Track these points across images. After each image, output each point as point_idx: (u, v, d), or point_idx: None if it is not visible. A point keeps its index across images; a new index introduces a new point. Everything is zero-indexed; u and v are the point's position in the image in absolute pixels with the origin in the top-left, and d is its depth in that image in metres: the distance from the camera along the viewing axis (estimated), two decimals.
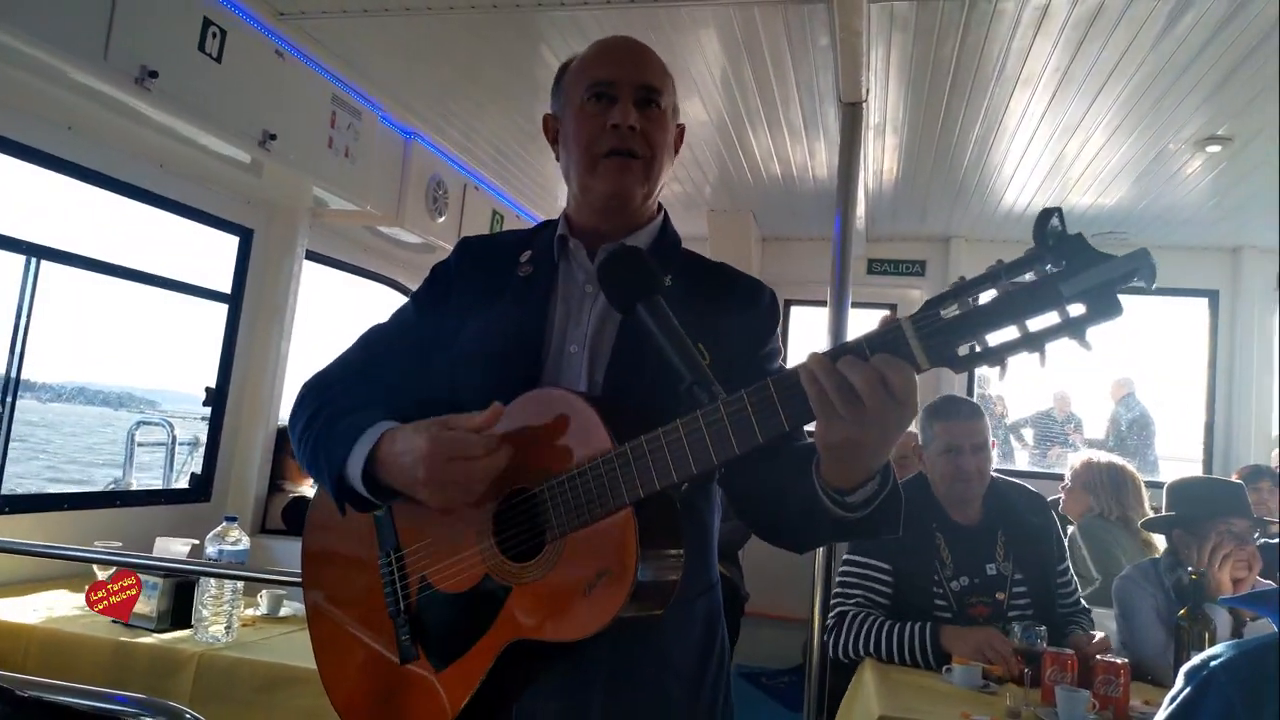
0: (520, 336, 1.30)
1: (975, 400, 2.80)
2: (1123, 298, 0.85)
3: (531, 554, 1.15)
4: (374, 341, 1.43)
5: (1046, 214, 0.88)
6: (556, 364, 1.29)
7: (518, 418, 1.19)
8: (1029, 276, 0.88)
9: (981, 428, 2.76)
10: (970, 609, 2.61)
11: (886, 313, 0.99)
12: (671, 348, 1.12)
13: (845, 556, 2.76)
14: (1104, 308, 0.85)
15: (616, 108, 1.29)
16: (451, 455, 1.11)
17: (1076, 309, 0.85)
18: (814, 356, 0.96)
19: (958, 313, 0.91)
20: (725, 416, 1.02)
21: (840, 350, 0.96)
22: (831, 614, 2.68)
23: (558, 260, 1.36)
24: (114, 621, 2.51)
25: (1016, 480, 2.90)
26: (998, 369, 0.91)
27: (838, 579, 2.74)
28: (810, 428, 1.04)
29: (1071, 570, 2.81)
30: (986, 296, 0.89)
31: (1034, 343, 0.88)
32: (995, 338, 0.90)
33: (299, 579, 1.41)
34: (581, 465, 1.11)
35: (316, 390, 1.37)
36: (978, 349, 0.90)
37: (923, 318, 0.92)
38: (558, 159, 1.41)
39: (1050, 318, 0.87)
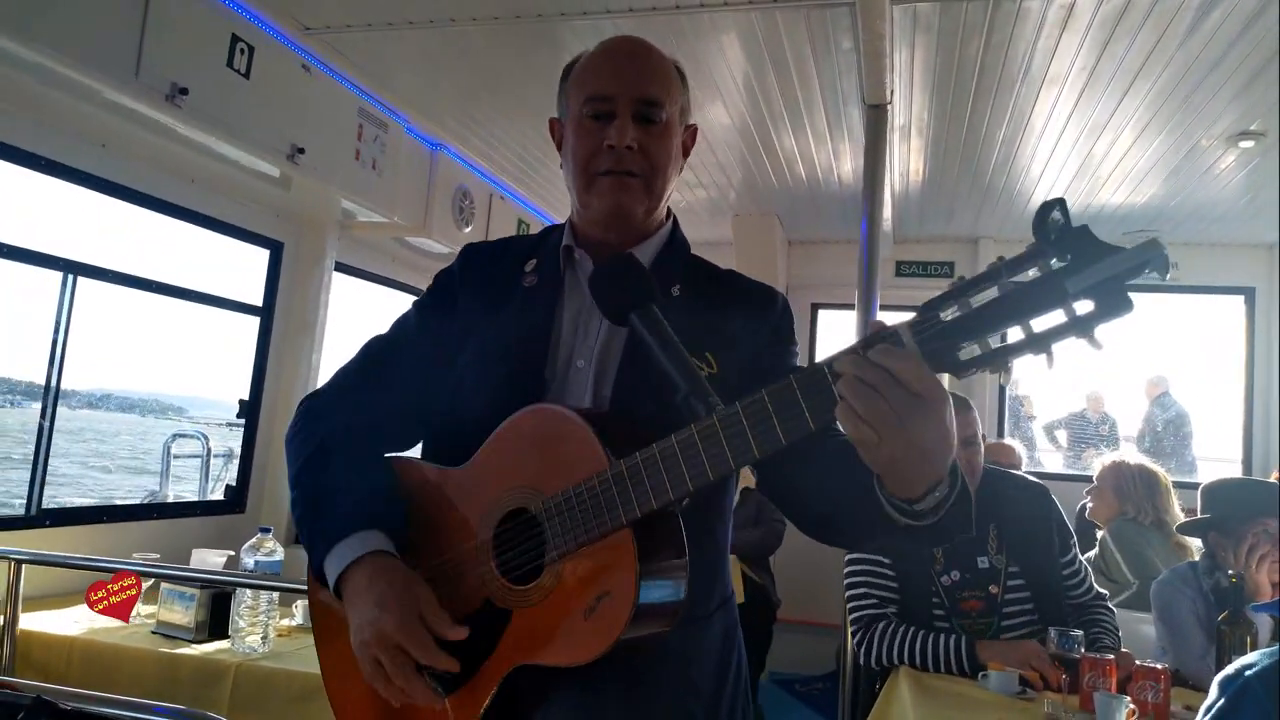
0: (526, 351, 1.26)
1: (968, 398, 2.72)
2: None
3: (532, 576, 1.12)
4: (374, 355, 1.38)
5: (1047, 206, 0.82)
6: (563, 379, 1.26)
7: (514, 434, 1.16)
8: (1033, 273, 0.82)
9: (970, 420, 2.66)
10: (963, 604, 2.57)
11: (879, 319, 0.93)
12: (666, 358, 1.08)
13: (847, 558, 2.72)
14: (1113, 304, 0.78)
15: (613, 126, 1.24)
16: (405, 647, 1.09)
17: (1084, 306, 0.80)
18: (841, 359, 0.90)
19: (957, 314, 0.85)
20: (720, 429, 0.97)
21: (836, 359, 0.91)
22: (853, 619, 2.65)
23: (563, 271, 1.33)
24: (153, 632, 2.55)
25: (1012, 471, 2.84)
26: (1000, 373, 0.85)
27: (845, 582, 2.69)
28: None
29: (1080, 559, 2.73)
30: (988, 296, 0.83)
31: (1039, 344, 0.82)
32: (999, 340, 0.84)
33: None
34: (578, 484, 1.07)
35: (312, 420, 1.32)
36: (979, 352, 0.84)
37: (921, 321, 0.87)
38: (562, 165, 1.37)
39: (1056, 316, 0.81)
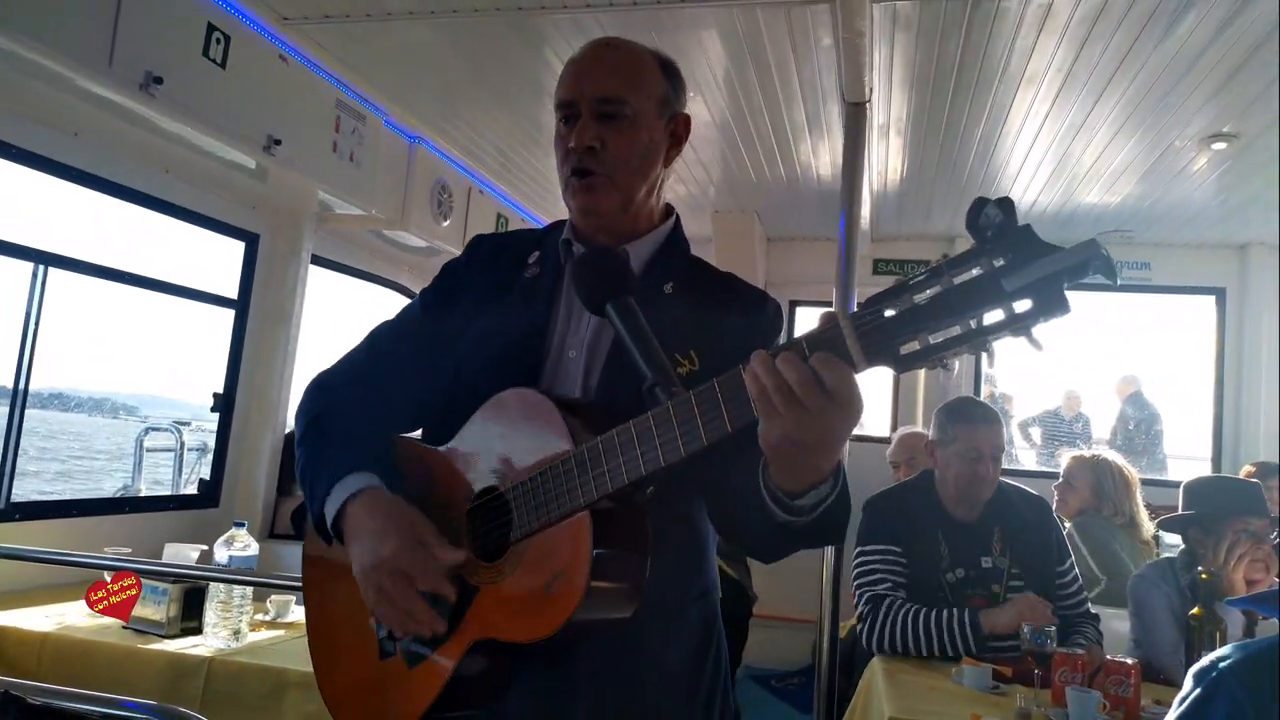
0: (522, 339, 1.31)
1: (985, 399, 2.82)
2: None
3: (500, 553, 1.16)
4: (379, 340, 1.45)
5: (980, 203, 0.82)
6: (555, 368, 1.30)
7: (491, 416, 1.21)
8: (975, 272, 0.83)
9: (1001, 432, 2.82)
10: (967, 600, 2.64)
11: (829, 309, 0.95)
12: (636, 347, 1.10)
13: (859, 549, 2.78)
14: (1051, 304, 0.78)
15: (573, 130, 1.30)
16: (406, 573, 1.14)
17: (1023, 305, 0.80)
18: (757, 354, 0.92)
19: (899, 310, 0.86)
20: (673, 415, 0.99)
21: (781, 348, 0.93)
22: (863, 601, 2.70)
23: (563, 263, 1.36)
24: (125, 627, 2.52)
25: (1018, 485, 2.90)
26: (939, 369, 0.88)
27: (855, 569, 2.77)
28: None
29: (1076, 573, 2.80)
30: (931, 293, 0.84)
31: (975, 340, 0.82)
32: (938, 336, 0.84)
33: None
34: (542, 466, 1.11)
35: (320, 390, 1.40)
36: (918, 347, 0.85)
37: (862, 315, 0.88)
38: None
39: (995, 314, 0.81)
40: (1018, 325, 0.80)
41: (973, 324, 0.82)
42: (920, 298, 0.85)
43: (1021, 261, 0.79)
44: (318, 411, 1.36)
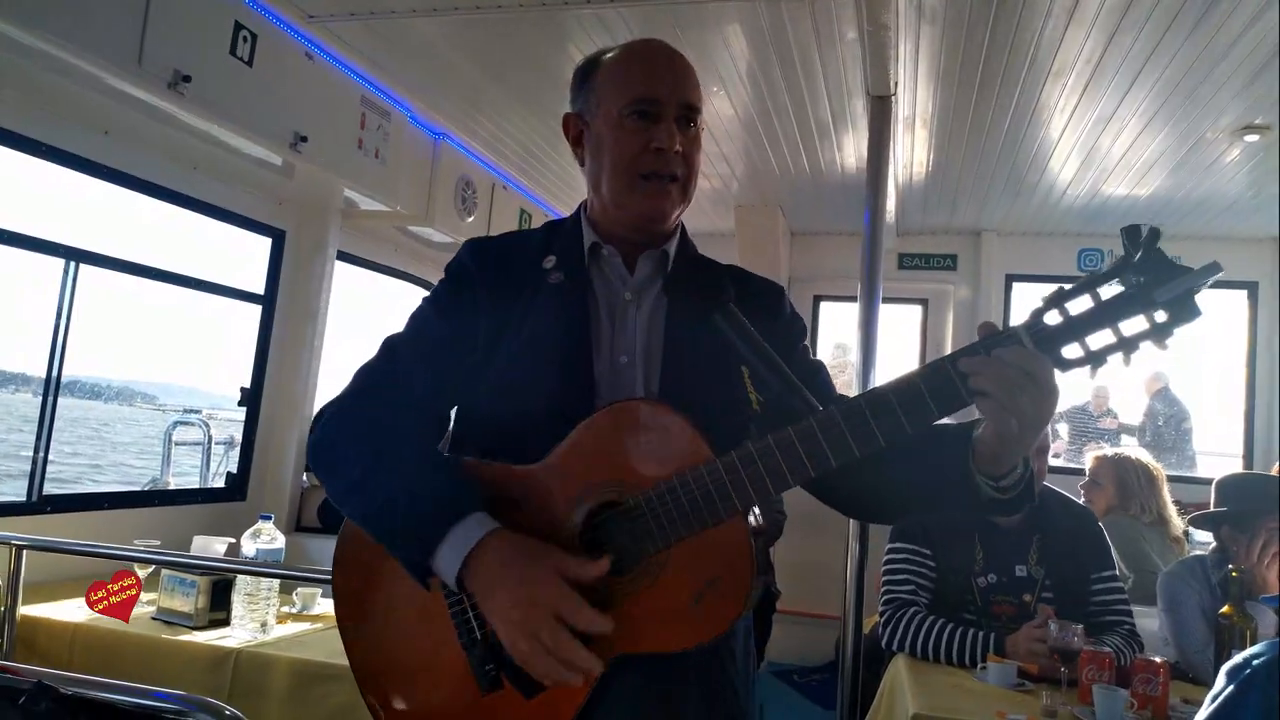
0: (571, 348, 1.27)
1: None
2: (1212, 277, 0.97)
3: (627, 567, 1.13)
4: (400, 355, 1.33)
5: (1134, 229, 0.99)
6: (610, 374, 1.27)
7: (596, 432, 1.17)
8: (1116, 285, 0.99)
9: (1046, 432, 2.75)
10: (994, 606, 2.62)
11: (986, 321, 1.08)
12: (756, 358, 1.17)
13: (890, 545, 2.76)
14: (1188, 312, 0.97)
15: (660, 128, 1.27)
16: (562, 615, 1.06)
17: (1160, 315, 0.97)
18: (986, 359, 1.02)
19: (1060, 320, 1.01)
20: (842, 423, 1.06)
21: (963, 353, 1.04)
22: (886, 600, 2.68)
23: (587, 265, 1.34)
24: (154, 619, 2.56)
25: (1060, 490, 2.85)
26: (1088, 368, 1.01)
27: (885, 565, 2.75)
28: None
29: (1119, 579, 2.72)
30: (1080, 305, 1.00)
31: (1128, 346, 0.99)
32: (1093, 341, 1.00)
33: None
34: (683, 474, 1.10)
35: (352, 422, 1.27)
36: (1081, 353, 1.01)
37: (1033, 325, 1.02)
38: (580, 161, 1.37)
39: (1139, 323, 0.98)
40: (1160, 331, 0.98)
41: (1123, 331, 0.99)
42: (1074, 308, 1.01)
43: (1166, 277, 0.96)
44: (366, 451, 1.22)
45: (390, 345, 1.35)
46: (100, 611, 2.51)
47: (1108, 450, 4.04)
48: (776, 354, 1.24)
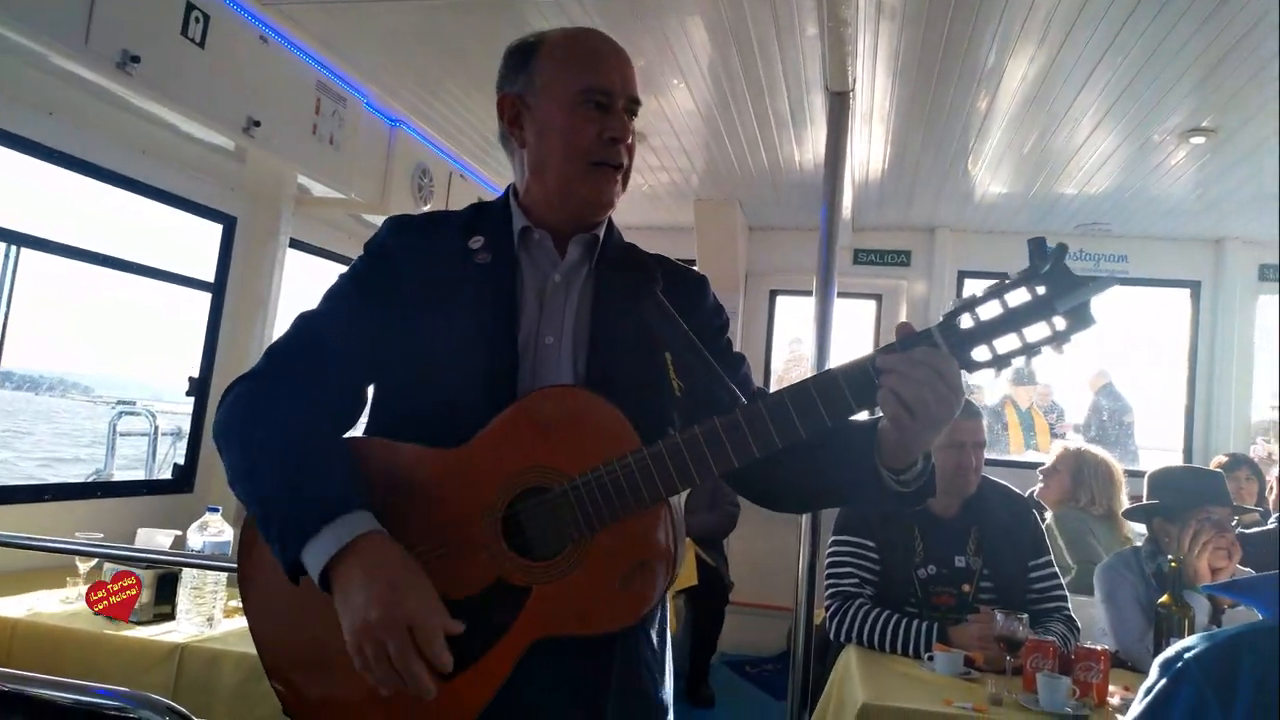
0: (494, 326, 1.26)
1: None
2: (1108, 289, 1.03)
3: (546, 552, 1.15)
4: (316, 333, 1.29)
5: (1040, 241, 1.05)
6: (534, 354, 1.27)
7: (525, 416, 1.18)
8: (1023, 294, 1.06)
9: (982, 426, 2.84)
10: (935, 597, 2.67)
11: (904, 322, 1.14)
12: (681, 345, 1.21)
13: (834, 537, 2.80)
14: (1084, 321, 1.04)
15: (612, 118, 1.28)
16: (416, 629, 1.04)
17: (1060, 323, 1.04)
18: (900, 357, 1.08)
19: (972, 324, 1.07)
20: (765, 414, 1.11)
21: (902, 349, 1.09)
22: (831, 593, 2.73)
23: (516, 249, 1.33)
24: (95, 614, 2.50)
25: (1000, 481, 2.92)
26: (992, 370, 1.08)
27: (829, 558, 2.79)
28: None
29: (1054, 566, 2.80)
30: (990, 310, 1.07)
31: (1030, 350, 1.06)
32: (1000, 345, 1.07)
33: None
34: (610, 461, 1.13)
35: (258, 401, 1.23)
36: (989, 355, 1.07)
37: (946, 327, 1.08)
38: (517, 143, 1.35)
39: (1041, 329, 1.05)
40: (1060, 338, 1.05)
41: (1027, 336, 1.06)
42: (984, 313, 1.07)
43: (1067, 287, 1.03)
44: (266, 434, 1.18)
45: (304, 322, 1.31)
46: (100, 612, 2.46)
47: (1072, 445, 4.15)
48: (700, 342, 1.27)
